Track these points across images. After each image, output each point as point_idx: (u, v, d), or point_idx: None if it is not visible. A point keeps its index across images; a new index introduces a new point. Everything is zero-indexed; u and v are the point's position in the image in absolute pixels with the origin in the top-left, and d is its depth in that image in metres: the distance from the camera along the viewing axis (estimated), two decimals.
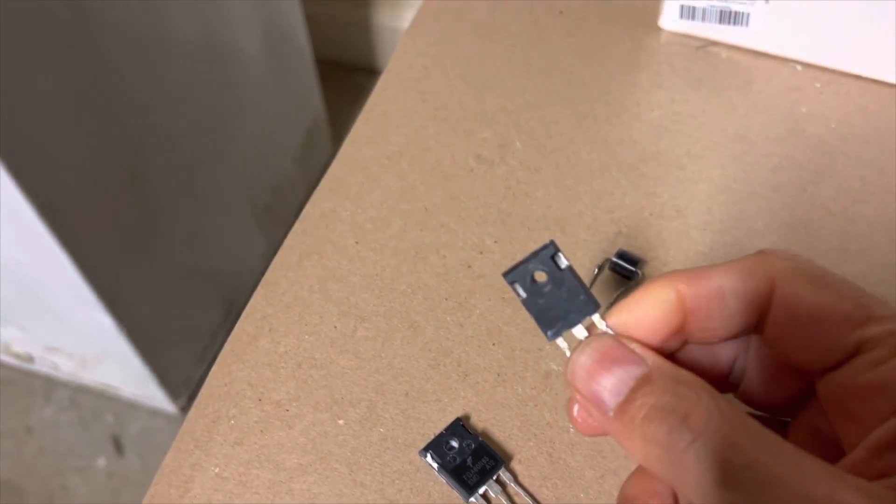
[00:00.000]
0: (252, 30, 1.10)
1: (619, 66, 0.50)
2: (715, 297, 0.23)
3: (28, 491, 1.16)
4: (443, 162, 0.45)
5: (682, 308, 0.23)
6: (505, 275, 0.24)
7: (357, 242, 0.42)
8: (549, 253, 0.24)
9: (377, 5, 1.49)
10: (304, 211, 0.44)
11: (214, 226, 1.11)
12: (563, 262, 0.24)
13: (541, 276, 0.24)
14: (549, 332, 0.24)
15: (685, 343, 0.25)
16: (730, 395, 0.26)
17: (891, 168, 0.43)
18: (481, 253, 0.41)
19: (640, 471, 0.25)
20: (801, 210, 0.42)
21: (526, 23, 0.53)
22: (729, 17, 0.48)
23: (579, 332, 0.24)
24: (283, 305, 0.40)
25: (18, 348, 1.18)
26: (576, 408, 0.24)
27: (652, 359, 0.22)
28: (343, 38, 1.54)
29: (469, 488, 0.33)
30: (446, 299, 0.40)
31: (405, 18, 1.45)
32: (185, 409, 1.16)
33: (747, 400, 0.26)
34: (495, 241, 0.42)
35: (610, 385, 0.22)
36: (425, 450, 0.34)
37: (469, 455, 0.34)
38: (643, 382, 0.22)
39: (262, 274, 0.41)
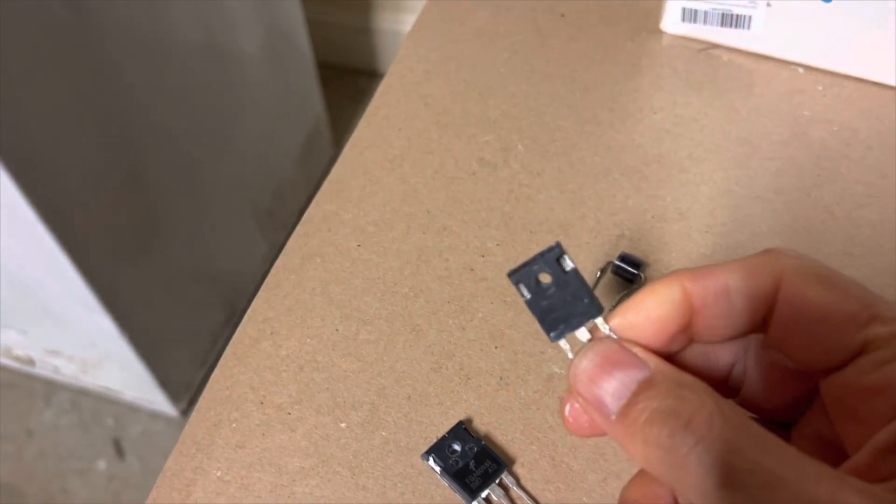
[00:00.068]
0: (252, 31, 1.10)
1: (620, 69, 0.50)
2: (721, 295, 0.23)
3: (28, 494, 1.16)
4: (445, 165, 0.45)
5: (688, 306, 0.23)
6: (510, 275, 0.24)
7: (359, 245, 0.42)
8: (554, 254, 0.24)
9: (379, 9, 1.50)
10: (306, 213, 0.44)
11: (215, 228, 1.11)
12: (569, 264, 0.24)
13: (545, 278, 0.24)
14: (552, 334, 0.24)
15: (690, 342, 0.25)
16: (731, 401, 0.26)
17: (893, 172, 0.43)
18: (484, 256, 0.41)
19: (641, 474, 0.25)
20: (804, 213, 0.42)
21: (528, 26, 0.53)
22: (731, 20, 0.48)
23: (582, 334, 0.24)
24: (285, 308, 0.40)
25: (19, 352, 1.18)
26: (567, 407, 0.24)
27: (654, 362, 0.22)
28: (345, 42, 1.55)
29: (471, 492, 0.33)
30: (448, 302, 0.40)
31: (407, 22, 1.45)
32: (185, 412, 1.16)
33: (748, 405, 0.26)
34: (498, 245, 0.42)
35: (612, 389, 0.22)
36: (427, 453, 0.34)
37: (471, 459, 0.34)
38: (645, 386, 0.21)
39: (263, 276, 0.41)
